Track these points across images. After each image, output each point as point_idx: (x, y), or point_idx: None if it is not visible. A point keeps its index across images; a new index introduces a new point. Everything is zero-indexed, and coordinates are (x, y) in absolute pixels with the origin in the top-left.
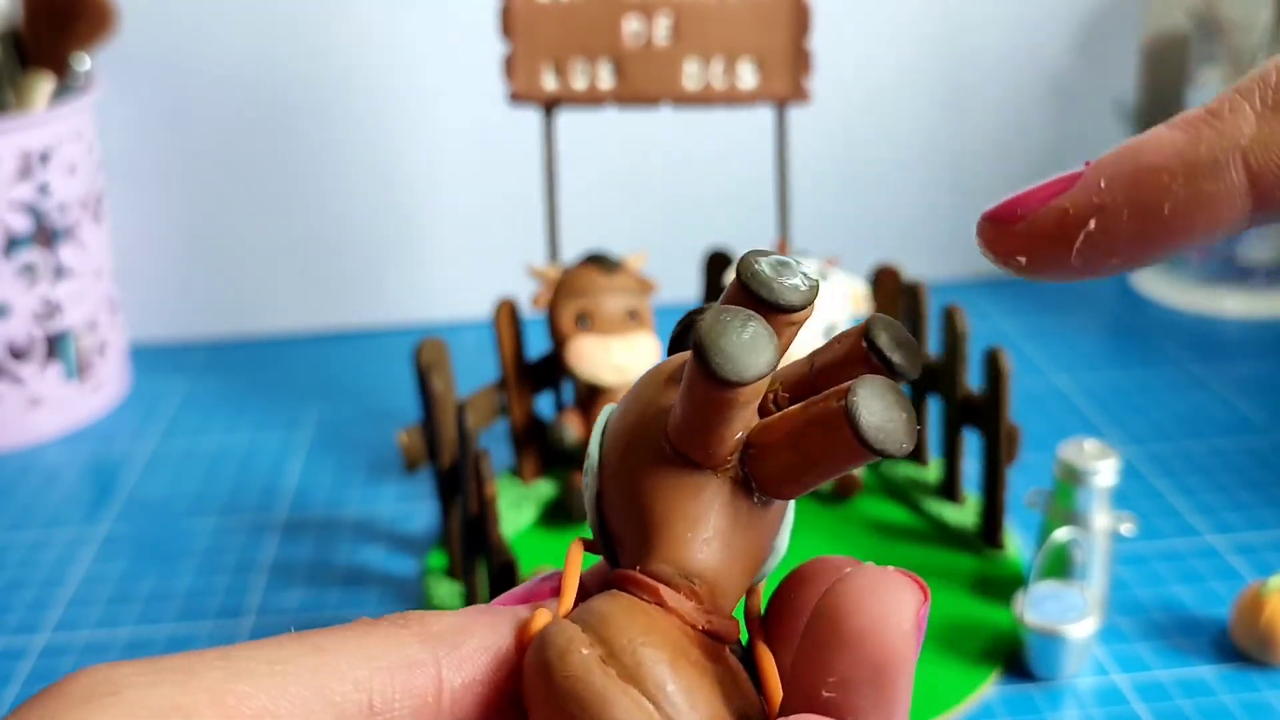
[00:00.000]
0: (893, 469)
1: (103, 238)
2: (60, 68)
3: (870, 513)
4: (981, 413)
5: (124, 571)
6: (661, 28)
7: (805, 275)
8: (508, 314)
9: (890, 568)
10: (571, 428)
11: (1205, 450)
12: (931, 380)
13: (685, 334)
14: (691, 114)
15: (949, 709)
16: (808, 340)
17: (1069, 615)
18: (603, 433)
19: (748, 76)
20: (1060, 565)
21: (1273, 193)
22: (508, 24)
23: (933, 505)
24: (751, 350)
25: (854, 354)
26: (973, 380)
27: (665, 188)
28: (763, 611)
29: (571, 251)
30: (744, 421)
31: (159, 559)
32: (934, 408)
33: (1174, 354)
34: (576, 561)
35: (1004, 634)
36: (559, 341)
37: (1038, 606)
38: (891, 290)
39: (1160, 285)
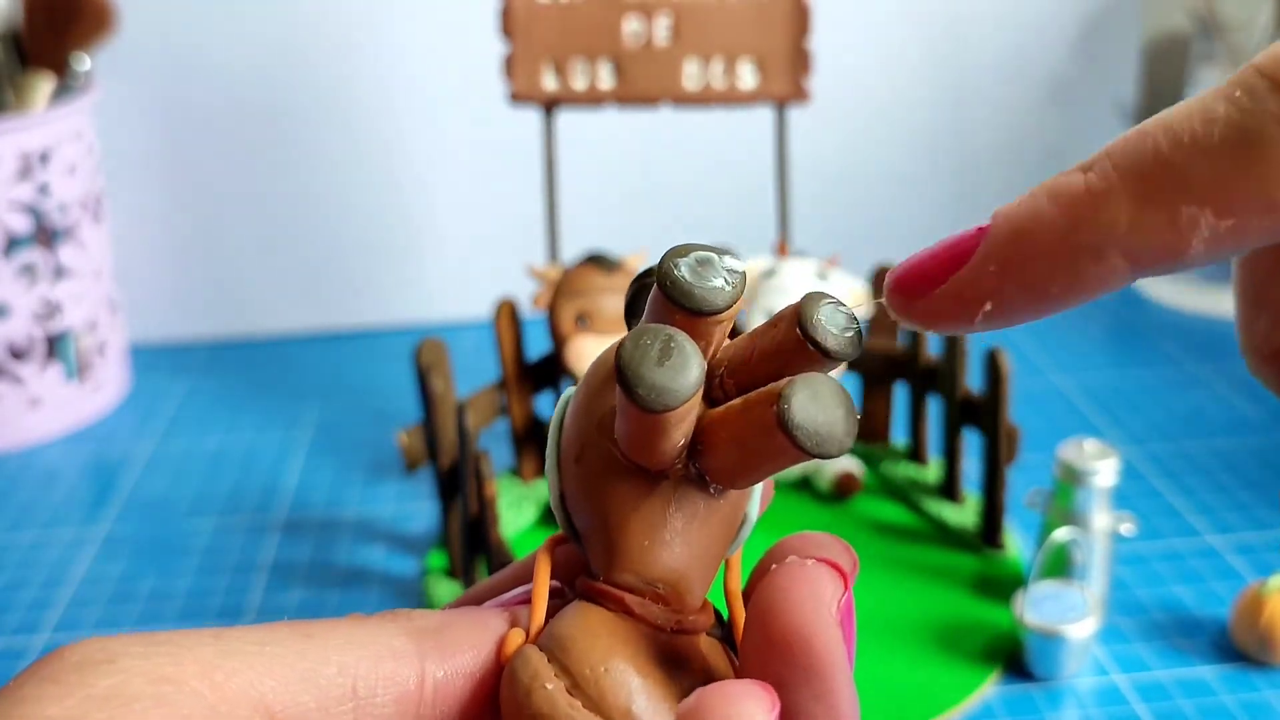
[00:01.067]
0: (893, 469)
1: (102, 238)
2: (60, 68)
3: (870, 513)
4: (981, 413)
5: (124, 572)
6: (661, 28)
7: (729, 271)
8: (508, 314)
9: (810, 560)
10: None
11: (1205, 450)
12: (931, 380)
13: (637, 298)
14: (691, 114)
15: (949, 709)
16: None
17: (1069, 615)
18: (559, 429)
19: (747, 77)
20: (1060, 565)
21: (1152, 266)
22: (508, 24)
23: (933, 505)
24: (674, 375)
25: (789, 341)
26: (973, 380)
27: (665, 188)
28: (743, 585)
29: (571, 251)
30: (685, 428)
31: (159, 559)
32: (934, 408)
33: (1174, 354)
34: (544, 574)
35: (1004, 634)
36: (559, 341)
37: (1038, 606)
38: None
39: (1160, 285)
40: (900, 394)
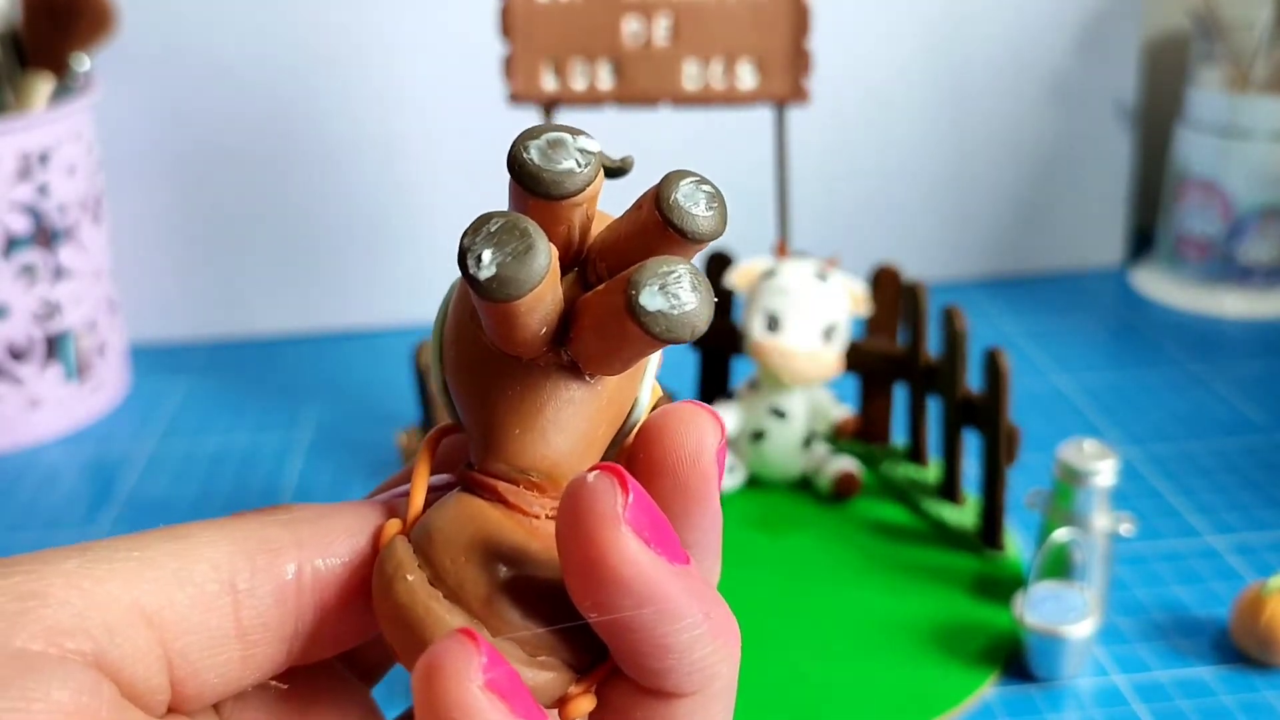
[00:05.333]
0: (893, 469)
1: (102, 238)
2: (60, 68)
3: (870, 513)
4: (981, 413)
5: None
6: (661, 28)
7: (582, 152)
8: None
9: (690, 402)
10: None
11: (1205, 450)
12: (931, 380)
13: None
14: (691, 114)
15: (949, 709)
16: (808, 338)
17: (1069, 616)
18: (442, 318)
19: (747, 77)
20: (1060, 566)
21: None
22: (507, 24)
23: (933, 506)
24: (518, 266)
25: (650, 222)
26: (973, 380)
27: None
28: None
29: None
30: (543, 315)
31: None
32: (934, 408)
33: (1174, 354)
34: (424, 465)
35: (1004, 634)
36: None
37: (1037, 607)
38: (891, 290)
39: (1160, 285)
40: (900, 394)
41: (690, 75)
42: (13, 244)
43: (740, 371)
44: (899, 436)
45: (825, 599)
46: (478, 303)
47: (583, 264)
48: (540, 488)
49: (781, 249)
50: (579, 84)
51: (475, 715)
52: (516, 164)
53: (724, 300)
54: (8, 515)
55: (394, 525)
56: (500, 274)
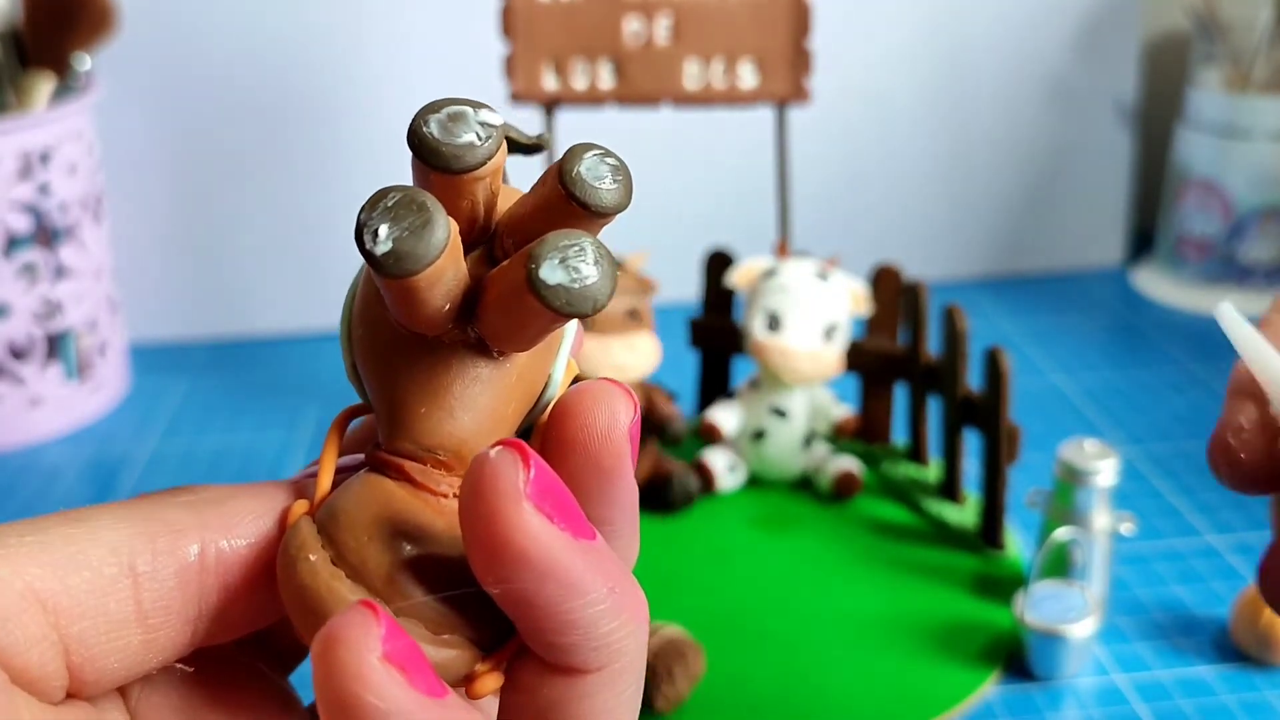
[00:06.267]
0: (893, 469)
1: (103, 238)
2: (61, 68)
3: (870, 513)
4: (982, 413)
5: None
6: (662, 28)
7: (483, 125)
8: None
9: (605, 380)
10: None
11: (1205, 450)
12: (932, 380)
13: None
14: (692, 114)
15: (949, 709)
16: (808, 338)
17: (1069, 615)
18: (351, 299)
19: (748, 76)
20: (1060, 565)
21: None
22: (508, 24)
23: (933, 505)
24: (415, 240)
25: (554, 196)
26: (973, 380)
27: (665, 188)
28: None
29: None
30: (444, 291)
31: None
32: (934, 408)
33: (1174, 354)
34: (332, 446)
35: (1004, 634)
36: None
37: (1038, 606)
38: (891, 290)
39: (1160, 285)
40: (900, 394)
41: (691, 75)
42: (13, 243)
43: (741, 371)
44: (899, 436)
45: (825, 598)
46: (378, 279)
47: (490, 240)
48: (448, 466)
49: (782, 248)
50: (580, 83)
51: (373, 686)
52: (416, 138)
53: (724, 300)
54: (8, 514)
55: (301, 506)
56: (397, 249)
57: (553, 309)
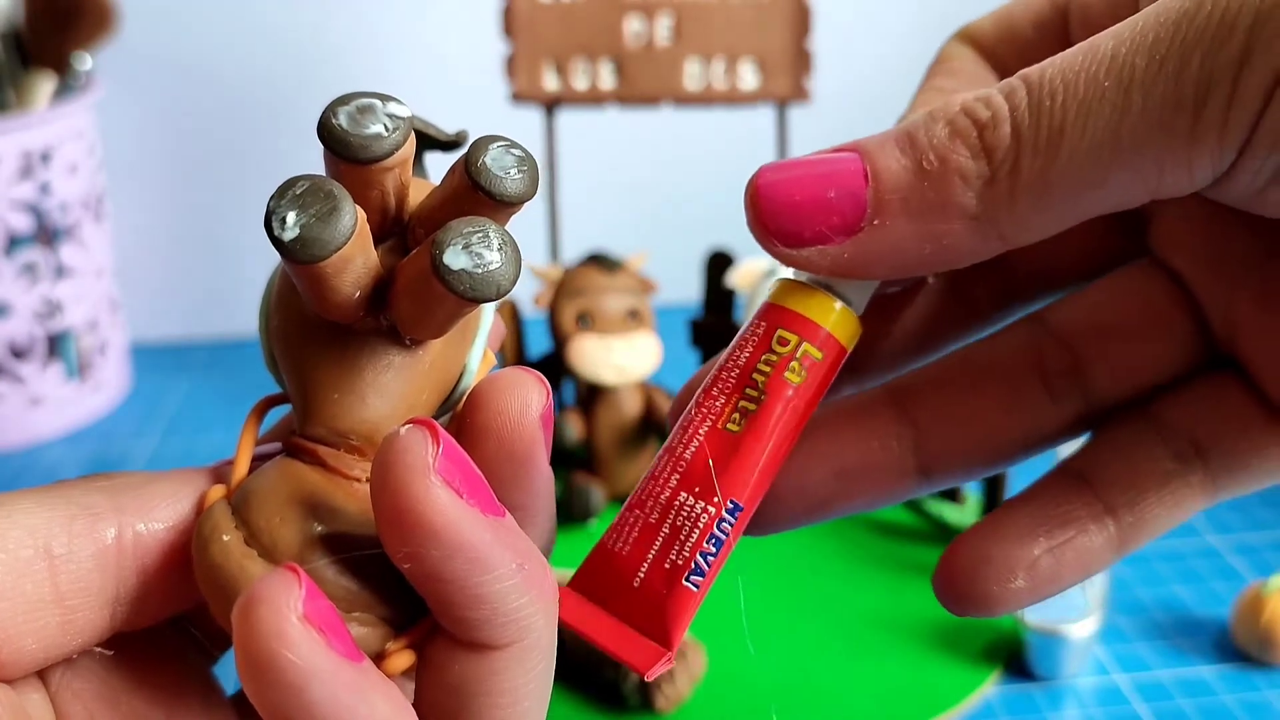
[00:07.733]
0: None
1: (103, 237)
2: (61, 67)
3: (870, 512)
4: None
5: None
6: (663, 28)
7: (391, 117)
8: (509, 314)
9: (518, 368)
10: (572, 427)
11: None
12: None
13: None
14: (692, 114)
15: (949, 709)
16: None
17: (1069, 615)
18: (269, 292)
19: (749, 77)
20: None
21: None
22: (509, 24)
23: (933, 505)
24: (322, 227)
25: (461, 186)
26: None
27: (666, 188)
28: None
29: (572, 251)
30: (353, 278)
31: None
32: None
33: None
34: (250, 432)
35: (1004, 634)
36: (560, 341)
37: (1038, 606)
38: None
39: None
40: None
41: (692, 75)
42: (14, 243)
43: None
44: None
45: (825, 598)
46: (287, 265)
47: (403, 231)
48: (360, 451)
49: None
50: (581, 83)
51: (292, 644)
52: (325, 129)
53: (725, 300)
54: None
55: (217, 490)
56: (303, 235)
57: (456, 293)
